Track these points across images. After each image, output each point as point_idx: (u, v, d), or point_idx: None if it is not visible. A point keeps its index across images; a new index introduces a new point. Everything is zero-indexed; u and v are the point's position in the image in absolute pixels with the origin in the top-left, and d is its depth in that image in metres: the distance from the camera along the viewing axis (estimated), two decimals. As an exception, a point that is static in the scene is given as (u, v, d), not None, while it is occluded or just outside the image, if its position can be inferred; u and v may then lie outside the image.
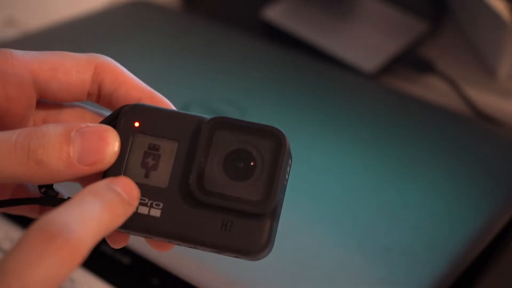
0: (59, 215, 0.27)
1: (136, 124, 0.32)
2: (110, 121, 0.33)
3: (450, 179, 0.57)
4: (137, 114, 0.32)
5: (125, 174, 0.32)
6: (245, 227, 0.31)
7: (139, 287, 0.50)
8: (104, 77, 0.33)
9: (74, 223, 0.26)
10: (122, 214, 0.29)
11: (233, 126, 0.31)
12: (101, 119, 0.34)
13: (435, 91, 0.74)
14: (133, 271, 0.51)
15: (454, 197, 0.55)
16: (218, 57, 0.73)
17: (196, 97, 0.63)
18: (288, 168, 0.32)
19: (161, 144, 0.32)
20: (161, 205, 0.32)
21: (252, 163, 0.31)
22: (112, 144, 0.31)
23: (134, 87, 0.34)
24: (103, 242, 0.34)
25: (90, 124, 0.31)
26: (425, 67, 0.76)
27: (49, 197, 0.33)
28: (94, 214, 0.28)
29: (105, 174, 0.32)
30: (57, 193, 0.33)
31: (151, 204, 0.32)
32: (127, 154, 0.32)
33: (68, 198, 0.33)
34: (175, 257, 0.49)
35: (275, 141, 0.31)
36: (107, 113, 0.35)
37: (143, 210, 0.31)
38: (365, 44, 0.78)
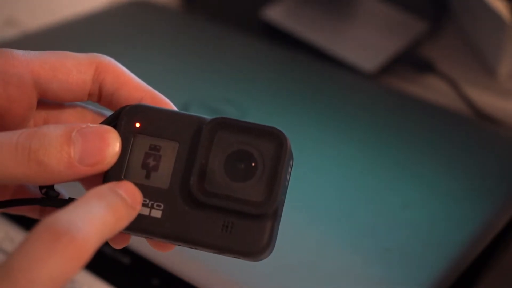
0: (65, 215, 0.27)
1: (137, 125, 0.32)
2: (111, 121, 0.33)
3: (450, 179, 0.57)
4: (138, 115, 0.32)
5: (126, 175, 0.32)
6: (246, 228, 0.31)
7: (139, 287, 0.50)
8: (105, 77, 0.33)
9: (80, 223, 0.27)
10: (125, 217, 0.29)
11: (234, 127, 0.31)
12: (102, 119, 0.34)
13: (435, 91, 0.74)
14: (133, 271, 0.51)
15: (454, 197, 0.55)
16: (218, 57, 0.73)
17: (196, 97, 0.63)
18: (290, 169, 0.31)
19: (162, 144, 0.32)
20: (162, 206, 0.31)
21: (253, 164, 0.31)
22: (113, 144, 0.31)
23: (135, 87, 0.34)
24: (107, 242, 0.34)
25: (91, 125, 0.31)
26: (425, 67, 0.76)
27: (50, 198, 0.33)
28: (99, 216, 0.28)
29: (106, 175, 0.32)
30: (58, 193, 0.33)
31: (152, 205, 0.32)
32: (128, 155, 0.32)
33: (69, 198, 0.33)
34: (175, 257, 0.49)
35: (276, 142, 0.31)
36: (108, 113, 0.35)
37: (144, 211, 0.31)
38: (365, 44, 0.78)
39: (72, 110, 0.35)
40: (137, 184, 0.31)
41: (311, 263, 0.48)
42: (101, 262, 0.51)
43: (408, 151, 0.60)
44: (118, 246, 0.34)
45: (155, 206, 0.32)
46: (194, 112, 0.33)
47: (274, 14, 0.82)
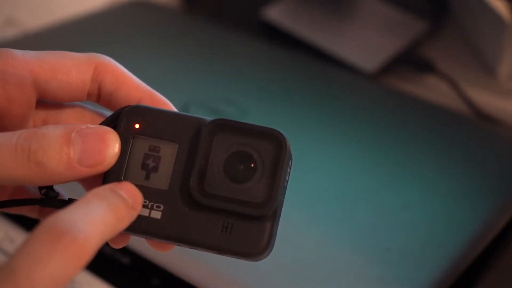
0: (66, 215, 0.27)
1: (137, 126, 0.32)
2: (110, 122, 0.33)
3: (450, 179, 0.57)
4: (138, 116, 0.32)
5: (125, 176, 0.32)
6: (245, 229, 0.31)
7: (139, 287, 0.50)
8: (104, 77, 0.33)
9: (81, 223, 0.27)
10: (126, 218, 0.30)
11: (233, 128, 0.31)
12: (101, 119, 0.34)
13: (435, 91, 0.74)
14: (133, 271, 0.51)
15: (454, 197, 0.55)
16: (218, 57, 0.73)
17: (196, 97, 0.63)
18: (289, 170, 0.32)
19: (162, 146, 0.32)
20: (162, 207, 0.32)
21: (252, 166, 0.31)
22: (113, 145, 0.31)
23: (135, 87, 0.34)
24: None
25: (91, 126, 0.31)
26: (425, 67, 0.76)
27: (49, 198, 0.33)
28: (100, 216, 0.28)
29: (106, 175, 0.32)
30: (58, 194, 0.33)
31: (152, 206, 0.32)
32: (127, 156, 0.32)
33: (69, 199, 0.33)
34: (175, 257, 0.49)
35: (276, 143, 0.31)
36: (107, 113, 0.35)
37: (144, 212, 0.31)
38: (365, 44, 0.78)
39: (71, 110, 0.35)
40: (136, 185, 0.31)
41: (311, 263, 0.48)
42: (101, 262, 0.51)
43: (408, 151, 0.60)
44: (117, 246, 0.34)
45: (154, 207, 0.32)
46: (194, 112, 0.34)
47: (274, 14, 0.82)
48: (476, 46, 0.79)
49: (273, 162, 0.31)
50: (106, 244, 0.34)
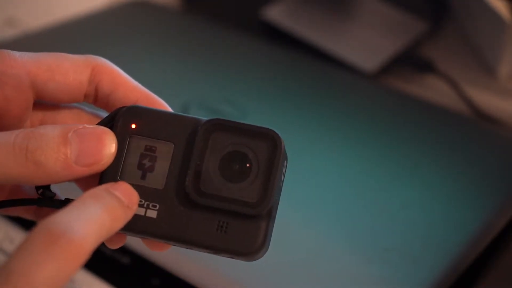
0: (62, 217, 0.27)
1: (133, 126, 0.32)
2: (107, 122, 0.33)
3: (450, 179, 0.57)
4: (134, 116, 0.33)
5: (121, 175, 0.32)
6: (241, 229, 0.31)
7: (139, 287, 0.50)
8: (101, 79, 0.34)
9: (76, 225, 0.27)
10: (122, 217, 0.30)
11: (229, 128, 0.32)
12: (98, 120, 0.34)
13: (435, 91, 0.74)
14: (133, 271, 0.51)
15: (454, 197, 0.55)
16: (218, 57, 0.73)
17: (195, 98, 0.63)
18: (284, 170, 0.32)
19: (158, 146, 0.32)
20: (158, 206, 0.32)
21: (248, 165, 0.31)
22: (109, 145, 0.31)
23: (131, 88, 0.34)
24: (103, 243, 0.34)
25: (88, 126, 0.31)
26: (425, 67, 0.76)
27: (46, 198, 0.33)
28: (95, 217, 0.28)
29: (102, 175, 0.32)
30: (54, 194, 0.33)
31: (148, 205, 0.32)
32: (123, 156, 0.32)
33: (65, 199, 0.33)
34: (175, 257, 0.49)
35: (271, 143, 0.31)
36: (104, 114, 0.35)
37: (140, 211, 0.32)
38: (365, 44, 0.78)
39: (68, 111, 0.35)
40: (132, 185, 0.31)
41: (311, 263, 0.48)
42: (101, 262, 0.51)
43: (408, 151, 0.60)
44: (113, 246, 0.34)
45: (150, 206, 0.32)
46: (194, 112, 0.34)
47: (274, 14, 0.82)
48: (476, 46, 0.79)
49: (268, 162, 0.31)
50: (105, 245, 0.34)
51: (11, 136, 0.29)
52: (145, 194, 0.32)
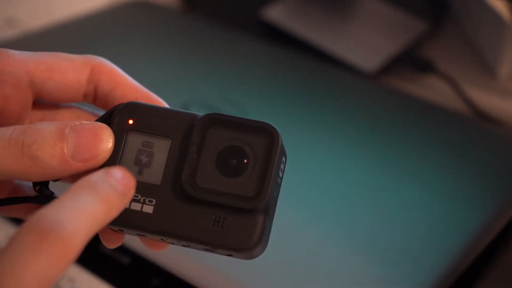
0: (50, 212, 0.26)
1: (130, 122, 0.32)
2: (105, 119, 0.33)
3: (450, 179, 0.57)
4: (131, 112, 0.33)
5: None
6: (238, 223, 0.31)
7: (139, 287, 0.50)
8: (100, 78, 0.34)
9: (65, 219, 0.26)
10: (117, 205, 0.29)
11: (226, 123, 0.31)
12: (96, 120, 0.34)
13: (435, 91, 0.74)
14: (133, 271, 0.51)
15: (454, 197, 0.55)
16: (218, 57, 0.73)
17: (195, 97, 0.63)
18: (282, 166, 0.32)
19: (155, 141, 0.32)
20: (154, 201, 0.32)
21: (245, 160, 0.31)
22: (106, 141, 0.31)
23: (130, 88, 0.34)
24: (101, 242, 0.34)
25: (85, 122, 0.31)
26: (425, 67, 0.75)
27: (44, 196, 0.33)
28: (86, 208, 0.27)
29: None
30: (52, 192, 0.33)
31: (144, 200, 0.32)
32: (120, 151, 0.32)
33: None
34: (175, 257, 0.49)
35: (268, 137, 0.31)
36: (103, 114, 0.35)
37: (136, 206, 0.32)
38: (365, 44, 0.78)
39: (67, 110, 0.35)
40: None
41: (311, 263, 0.48)
42: (101, 262, 0.51)
43: (408, 151, 0.60)
44: (111, 245, 0.34)
45: (147, 201, 0.32)
46: (194, 112, 0.33)
47: (274, 14, 0.82)
48: (476, 46, 0.79)
49: (265, 156, 0.31)
50: (104, 244, 0.34)
51: (7, 131, 0.29)
52: (142, 189, 0.32)
